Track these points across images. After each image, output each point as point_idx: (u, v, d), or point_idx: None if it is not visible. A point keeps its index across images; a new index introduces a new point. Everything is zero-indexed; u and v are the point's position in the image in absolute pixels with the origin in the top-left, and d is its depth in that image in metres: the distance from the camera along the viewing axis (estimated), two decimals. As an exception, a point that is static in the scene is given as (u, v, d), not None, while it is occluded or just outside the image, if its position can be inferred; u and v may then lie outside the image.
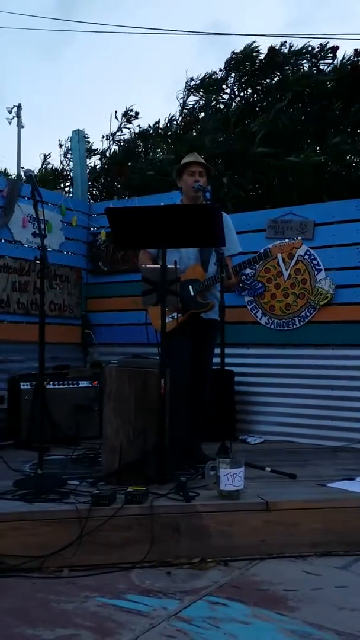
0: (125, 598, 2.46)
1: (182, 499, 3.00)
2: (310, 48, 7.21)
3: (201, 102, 7.78)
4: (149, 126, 8.06)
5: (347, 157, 6.68)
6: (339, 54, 7.09)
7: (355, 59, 6.90)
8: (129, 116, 8.10)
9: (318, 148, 6.73)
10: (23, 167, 3.73)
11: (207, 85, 7.70)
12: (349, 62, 6.93)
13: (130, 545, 2.82)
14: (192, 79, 7.77)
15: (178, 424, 3.78)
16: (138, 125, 8.14)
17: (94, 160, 8.24)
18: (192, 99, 7.86)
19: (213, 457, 3.38)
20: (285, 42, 7.35)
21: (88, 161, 7.80)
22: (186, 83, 7.79)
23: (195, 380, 4.06)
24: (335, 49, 7.11)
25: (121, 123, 8.12)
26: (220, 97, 7.68)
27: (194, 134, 7.45)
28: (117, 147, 8.16)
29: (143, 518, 2.86)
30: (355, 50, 6.91)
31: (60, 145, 8.53)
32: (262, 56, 7.35)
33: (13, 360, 5.50)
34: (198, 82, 7.74)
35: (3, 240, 5.63)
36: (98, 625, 2.22)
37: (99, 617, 2.30)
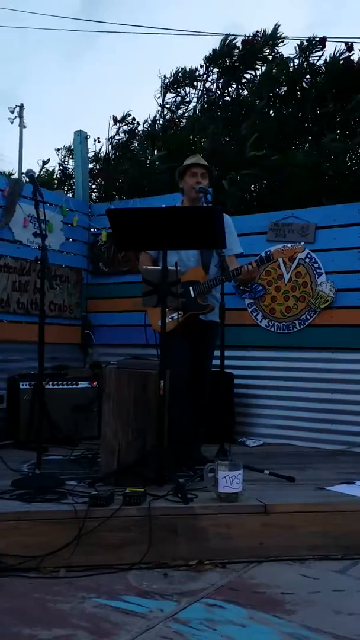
0: (122, 599, 2.45)
1: (180, 500, 2.99)
2: (300, 43, 7.17)
3: (178, 98, 7.81)
4: (138, 123, 8.11)
5: (346, 158, 6.66)
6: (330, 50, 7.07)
7: (347, 53, 6.85)
8: (126, 122, 8.13)
9: (307, 146, 6.72)
10: (23, 173, 3.72)
11: (180, 81, 7.71)
12: (340, 57, 6.88)
13: (128, 546, 2.82)
14: (165, 77, 7.81)
15: (177, 426, 3.78)
16: (138, 123, 8.17)
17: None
18: (169, 96, 7.90)
19: (212, 459, 3.38)
20: (259, 31, 7.34)
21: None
22: (161, 82, 7.82)
23: (194, 382, 4.05)
24: (323, 40, 7.04)
25: (119, 128, 8.15)
26: (204, 95, 7.67)
27: (177, 132, 7.45)
28: (111, 150, 8.18)
29: (141, 519, 2.85)
30: (346, 44, 6.85)
31: (58, 150, 8.57)
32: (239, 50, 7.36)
33: (12, 360, 5.49)
34: (171, 78, 7.75)
35: (4, 240, 5.63)
36: (95, 626, 2.22)
37: (95, 617, 2.29)
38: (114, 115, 8.14)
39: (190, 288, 4.07)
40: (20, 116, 25.36)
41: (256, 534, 2.96)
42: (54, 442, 4.66)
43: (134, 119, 8.12)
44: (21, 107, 25.40)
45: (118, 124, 8.11)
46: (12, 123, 25.30)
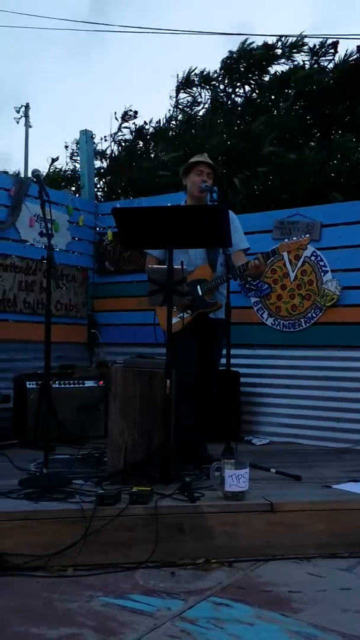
0: (129, 598, 2.46)
1: (186, 499, 3.00)
2: (312, 45, 7.20)
3: (189, 98, 7.82)
4: (145, 123, 8.11)
5: (354, 156, 6.66)
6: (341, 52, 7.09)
7: (357, 55, 6.87)
8: (128, 117, 8.13)
9: (317, 145, 6.72)
10: (32, 175, 3.73)
11: (194, 81, 7.71)
12: (351, 59, 6.90)
13: (135, 545, 2.82)
14: (178, 76, 7.83)
15: (183, 425, 3.78)
16: (134, 123, 8.19)
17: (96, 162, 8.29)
18: (182, 96, 7.91)
19: (218, 458, 3.38)
20: (281, 37, 7.35)
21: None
22: (177, 82, 7.83)
23: (202, 380, 4.05)
24: (335, 44, 7.08)
25: (121, 124, 8.16)
26: (218, 95, 7.68)
27: (193, 132, 7.46)
28: (117, 147, 8.19)
29: (148, 518, 2.85)
30: (358, 47, 6.89)
31: (66, 147, 8.58)
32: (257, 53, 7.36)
33: (19, 359, 5.51)
34: (184, 78, 7.76)
35: (10, 240, 5.65)
36: (102, 625, 2.22)
37: (102, 616, 2.30)
38: (115, 112, 8.18)
39: (198, 286, 4.07)
40: (26, 116, 25.40)
41: (263, 532, 2.96)
42: (61, 441, 4.66)
43: (136, 112, 8.13)
44: (27, 106, 25.45)
45: (122, 121, 8.13)
46: (17, 123, 25.35)
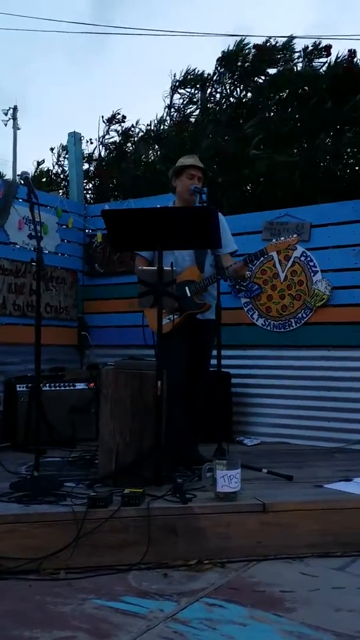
0: (122, 600, 2.45)
1: (178, 500, 2.99)
2: (304, 47, 7.21)
3: (184, 99, 7.83)
4: (133, 126, 8.10)
5: (342, 158, 6.68)
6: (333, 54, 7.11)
7: (349, 58, 6.91)
8: (115, 120, 8.13)
9: (306, 146, 6.75)
10: (19, 174, 3.74)
11: (190, 81, 7.72)
12: (343, 62, 6.93)
13: (127, 547, 2.82)
14: (174, 75, 7.83)
15: (175, 426, 3.78)
16: (121, 126, 8.18)
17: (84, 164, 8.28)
18: (176, 97, 7.91)
19: (210, 459, 3.38)
20: (271, 38, 7.37)
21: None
22: (171, 83, 7.83)
23: (192, 382, 4.05)
24: (328, 48, 7.11)
25: (108, 127, 8.15)
26: (211, 97, 7.69)
27: (185, 135, 7.46)
28: (104, 150, 8.19)
29: (140, 520, 2.85)
30: (349, 50, 6.92)
31: (52, 149, 8.57)
32: (252, 54, 7.37)
33: (9, 362, 5.49)
34: (181, 79, 7.76)
35: (-1, 242, 5.63)
36: (95, 627, 2.22)
37: (95, 619, 2.29)
38: (102, 116, 8.17)
39: (186, 288, 4.07)
40: (14, 118, 25.35)
41: (255, 532, 2.96)
42: (52, 443, 4.65)
43: (124, 117, 8.12)
44: (15, 109, 25.40)
45: (108, 124, 8.12)
46: (5, 125, 25.29)
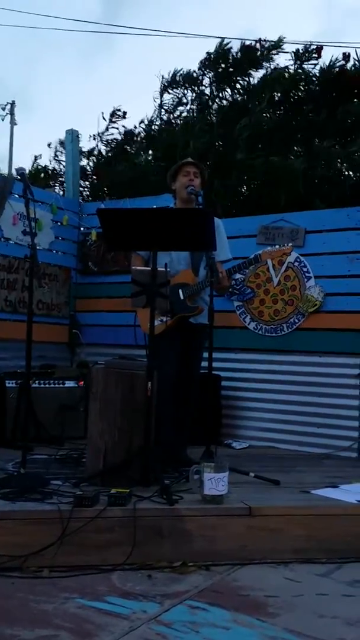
0: (105, 600, 2.45)
1: (165, 502, 2.98)
2: (295, 50, 7.21)
3: (173, 98, 7.83)
4: (135, 127, 8.11)
5: (337, 163, 6.69)
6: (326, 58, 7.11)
7: (343, 62, 6.90)
8: (116, 116, 8.12)
9: (300, 151, 6.76)
10: (17, 169, 3.74)
11: (178, 81, 7.72)
12: (337, 66, 6.93)
13: (112, 547, 2.81)
14: (163, 77, 7.83)
15: (164, 427, 3.77)
16: (123, 126, 8.18)
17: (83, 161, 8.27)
18: (166, 97, 7.91)
19: (198, 461, 3.38)
20: (260, 39, 7.36)
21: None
22: (160, 83, 7.84)
23: (182, 384, 4.05)
24: (319, 49, 7.10)
25: (108, 123, 8.14)
26: (198, 97, 7.69)
27: (176, 129, 7.45)
28: (104, 148, 8.18)
29: (126, 520, 2.84)
30: (344, 54, 6.92)
31: (49, 145, 8.56)
32: (236, 54, 7.37)
33: (-1, 358, 5.48)
34: (169, 79, 7.77)
35: (-7, 238, 5.61)
36: (77, 627, 2.21)
37: (78, 618, 2.28)
38: (102, 113, 8.16)
39: (180, 290, 4.07)
40: (11, 113, 25.27)
41: (241, 536, 2.96)
42: (40, 441, 4.64)
43: (124, 113, 8.11)
44: (12, 104, 25.33)
45: (109, 120, 8.12)
46: (2, 120, 25.21)
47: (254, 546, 2.95)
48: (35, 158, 8.74)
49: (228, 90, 7.55)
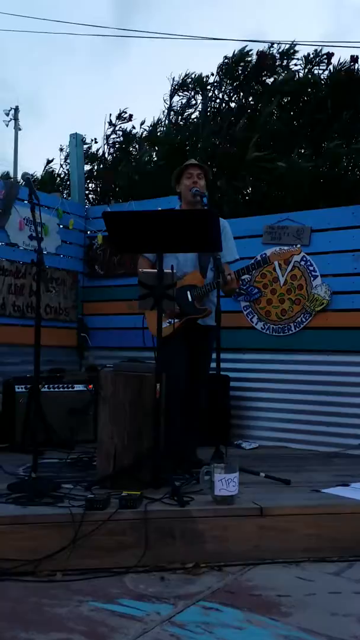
0: (118, 602, 2.45)
1: (176, 503, 2.99)
2: (307, 54, 7.24)
3: (183, 100, 7.84)
4: (133, 127, 8.14)
5: (343, 162, 6.69)
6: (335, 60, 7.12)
7: (352, 64, 6.92)
8: (122, 119, 8.13)
9: (308, 152, 6.75)
10: (24, 174, 3.75)
11: (189, 84, 7.74)
12: (345, 68, 6.94)
13: (124, 549, 2.82)
14: (174, 79, 7.84)
15: (173, 429, 3.78)
16: (133, 127, 8.20)
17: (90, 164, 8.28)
18: (176, 99, 7.92)
19: (208, 462, 3.38)
20: (273, 44, 7.38)
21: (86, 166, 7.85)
22: (171, 86, 7.85)
23: (191, 386, 4.05)
24: (330, 55, 7.13)
25: (115, 126, 8.16)
26: (212, 101, 7.70)
27: (186, 134, 7.47)
28: (109, 150, 8.20)
29: (137, 523, 2.85)
30: (352, 56, 6.93)
31: (61, 149, 8.57)
32: (253, 60, 7.39)
33: (8, 363, 5.50)
34: (180, 81, 7.78)
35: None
36: (91, 630, 2.22)
37: (92, 621, 2.29)
38: (110, 114, 8.18)
39: (188, 292, 4.07)
40: (16, 118, 25.40)
41: (252, 536, 2.96)
42: (50, 445, 4.64)
43: (131, 116, 8.13)
44: (16, 109, 25.45)
45: (114, 123, 8.13)
46: (7, 125, 25.33)
47: (266, 546, 2.95)
48: (48, 162, 8.75)
49: (241, 94, 7.57)
